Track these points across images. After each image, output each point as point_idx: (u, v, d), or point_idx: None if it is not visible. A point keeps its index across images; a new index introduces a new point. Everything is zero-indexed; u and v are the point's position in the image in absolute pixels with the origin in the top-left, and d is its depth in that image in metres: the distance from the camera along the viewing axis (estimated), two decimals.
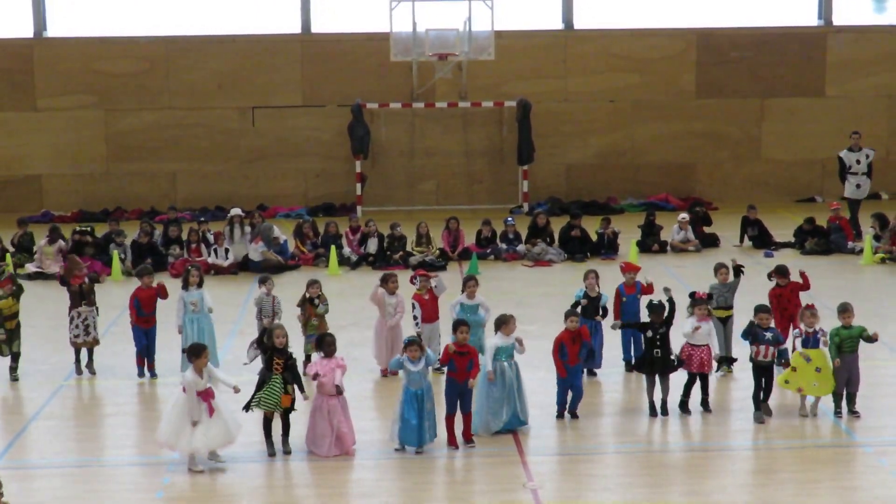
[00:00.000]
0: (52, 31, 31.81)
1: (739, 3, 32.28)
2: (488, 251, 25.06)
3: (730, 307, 16.41)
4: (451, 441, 13.74)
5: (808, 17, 32.60)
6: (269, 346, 13.66)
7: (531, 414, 14.42)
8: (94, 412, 15.84)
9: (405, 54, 29.83)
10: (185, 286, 16.77)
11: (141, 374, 16.68)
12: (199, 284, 16.81)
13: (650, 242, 25.48)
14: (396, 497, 12.60)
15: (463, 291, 16.57)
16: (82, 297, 16.68)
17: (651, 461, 13.44)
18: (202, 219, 26.32)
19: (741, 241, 25.99)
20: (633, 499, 12.35)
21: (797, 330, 14.78)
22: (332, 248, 24.36)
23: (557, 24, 32.20)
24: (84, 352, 16.84)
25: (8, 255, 24.10)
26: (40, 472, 13.50)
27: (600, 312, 16.26)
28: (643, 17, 32.03)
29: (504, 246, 25.23)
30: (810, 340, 14.48)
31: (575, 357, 14.51)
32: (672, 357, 14.71)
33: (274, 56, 31.48)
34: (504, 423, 14.15)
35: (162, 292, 16.82)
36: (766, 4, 32.36)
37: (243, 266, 24.22)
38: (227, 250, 24.28)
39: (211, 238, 24.53)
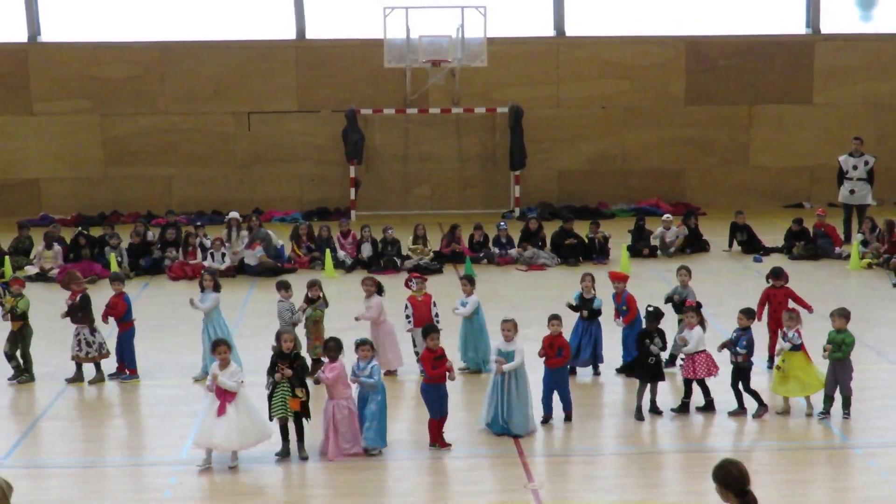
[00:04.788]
0: (47, 35, 31.91)
1: (728, 12, 32.52)
2: (481, 255, 25.35)
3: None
4: (439, 441, 13.99)
5: (795, 25, 32.83)
6: (276, 350, 13.87)
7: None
8: (100, 413, 15.97)
9: (399, 60, 30.07)
10: (202, 289, 17.13)
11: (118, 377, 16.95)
12: (214, 288, 16.96)
13: (640, 247, 25.79)
14: (398, 497, 12.76)
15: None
16: (73, 314, 16.77)
17: (649, 462, 13.63)
18: (199, 223, 26.54)
19: (730, 246, 26.28)
20: (632, 499, 12.51)
21: (781, 331, 15.15)
22: (327, 251, 24.66)
23: (549, 31, 32.44)
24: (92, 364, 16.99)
25: (6, 259, 24.30)
26: (47, 471, 13.64)
27: (588, 313, 16.52)
28: (634, 24, 32.24)
29: (497, 250, 25.52)
30: (785, 341, 14.89)
31: (554, 361, 14.64)
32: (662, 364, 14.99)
33: (269, 62, 31.68)
34: (486, 422, 14.35)
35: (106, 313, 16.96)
36: (755, 13, 32.59)
37: (240, 270, 24.47)
38: (223, 254, 24.51)
39: (207, 243, 24.73)
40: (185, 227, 26.48)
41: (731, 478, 8.27)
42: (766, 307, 16.84)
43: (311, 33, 32.08)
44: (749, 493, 8.26)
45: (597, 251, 25.24)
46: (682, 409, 15.03)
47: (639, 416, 14.89)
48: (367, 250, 24.97)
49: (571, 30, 32.38)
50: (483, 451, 13.99)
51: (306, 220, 29.09)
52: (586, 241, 25.49)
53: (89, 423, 15.46)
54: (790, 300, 16.79)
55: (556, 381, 14.72)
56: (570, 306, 16.65)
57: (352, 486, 13.04)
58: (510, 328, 14.26)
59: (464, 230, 26.07)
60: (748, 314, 15.12)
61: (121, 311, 16.89)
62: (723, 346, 15.04)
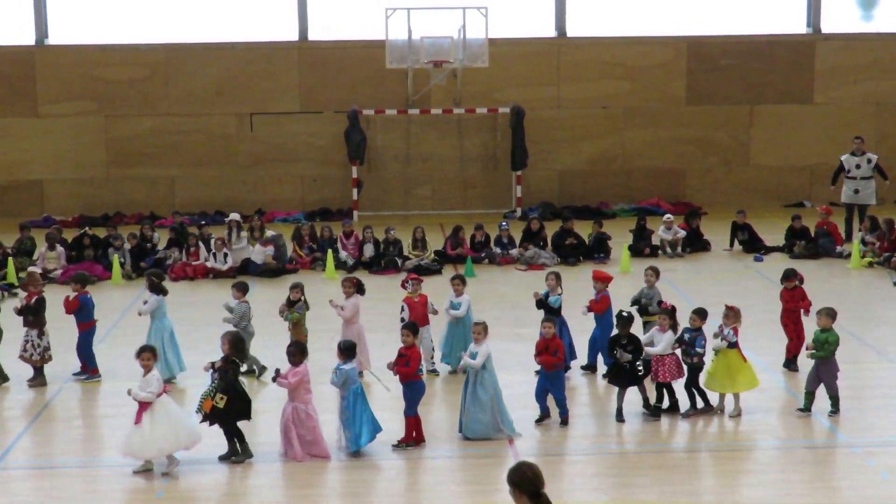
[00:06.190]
0: (54, 38, 32.05)
1: (729, 12, 32.59)
2: (482, 255, 25.44)
3: (656, 313, 16.36)
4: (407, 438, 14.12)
5: (796, 24, 32.90)
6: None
7: (521, 416, 14.62)
8: (95, 413, 16.04)
9: (401, 61, 30.18)
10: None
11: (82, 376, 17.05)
12: (153, 289, 16.96)
13: (641, 247, 25.87)
14: (391, 498, 12.81)
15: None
16: (24, 316, 16.78)
17: (642, 462, 13.66)
18: (202, 222, 26.63)
19: (731, 245, 26.37)
20: (625, 499, 12.56)
21: (719, 326, 15.08)
22: (329, 252, 24.77)
23: (550, 32, 32.53)
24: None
25: (10, 260, 24.37)
26: (42, 472, 13.69)
27: (545, 310, 16.47)
28: (634, 25, 32.32)
29: (498, 250, 25.61)
30: (720, 338, 14.88)
31: (549, 364, 14.59)
32: (639, 367, 14.85)
33: (272, 63, 31.78)
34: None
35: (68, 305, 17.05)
36: (755, 12, 32.66)
37: (243, 269, 24.55)
38: (225, 255, 24.61)
39: (211, 244, 24.82)
40: (190, 228, 26.47)
41: (525, 480, 8.10)
42: (781, 308, 17.05)
43: (314, 35, 32.18)
44: (543, 496, 8.11)
45: (597, 250, 25.34)
46: (656, 412, 14.96)
47: (619, 418, 14.84)
48: (369, 251, 25.05)
49: (572, 30, 32.45)
50: (477, 451, 14.01)
51: (308, 220, 29.18)
52: (587, 241, 25.59)
53: (85, 424, 15.56)
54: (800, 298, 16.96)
55: (551, 384, 14.70)
56: (538, 300, 16.71)
57: (346, 486, 13.07)
58: (479, 331, 14.31)
59: (465, 230, 26.10)
60: (701, 315, 15.06)
61: (69, 310, 16.91)
62: (679, 346, 14.98)
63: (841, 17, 33.05)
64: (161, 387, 13.34)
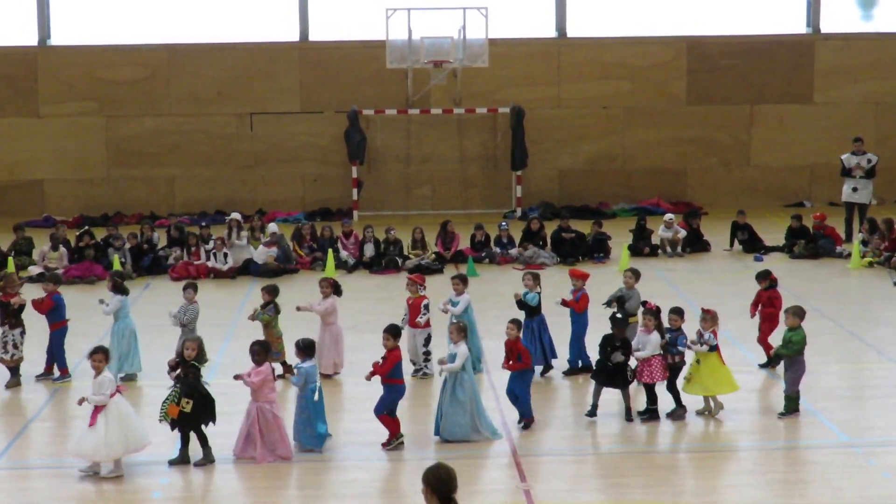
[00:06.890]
0: (56, 39, 32.10)
1: (729, 12, 32.65)
2: (483, 255, 25.47)
3: (633, 314, 16.39)
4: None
5: (796, 24, 32.95)
6: (179, 355, 13.89)
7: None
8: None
9: (401, 61, 30.21)
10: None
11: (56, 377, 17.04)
12: (115, 289, 16.99)
13: (641, 246, 25.91)
14: (390, 498, 12.82)
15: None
16: (5, 317, 16.77)
17: (641, 462, 13.61)
18: (203, 223, 26.67)
19: (731, 245, 26.40)
20: (624, 499, 12.54)
21: (697, 331, 15.01)
22: (329, 251, 24.81)
23: (550, 32, 32.57)
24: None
25: (10, 259, 24.40)
26: (38, 472, 13.68)
27: (523, 308, 16.52)
28: (635, 25, 32.37)
29: (498, 250, 25.65)
30: (699, 342, 14.80)
31: (513, 365, 14.49)
32: (629, 370, 14.77)
33: (272, 63, 31.83)
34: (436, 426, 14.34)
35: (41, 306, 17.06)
36: (755, 13, 32.72)
37: (244, 269, 24.59)
38: (225, 254, 24.65)
39: (210, 244, 24.85)
40: (189, 228, 26.49)
41: (440, 482, 8.13)
42: (759, 308, 17.02)
43: (315, 35, 32.22)
44: (453, 501, 8.10)
45: (597, 249, 25.39)
46: (654, 414, 14.88)
47: (591, 413, 14.75)
48: (369, 250, 25.09)
49: (573, 30, 32.49)
50: (475, 451, 13.97)
51: (309, 220, 29.21)
52: (588, 239, 25.62)
53: (81, 425, 15.49)
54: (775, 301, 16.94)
55: (515, 383, 14.58)
56: (517, 301, 16.70)
57: (342, 486, 13.05)
58: (453, 331, 14.26)
59: (466, 230, 26.18)
60: (680, 314, 15.00)
61: (43, 310, 16.93)
62: (663, 347, 14.94)
63: (840, 17, 33.10)
64: (113, 387, 13.30)
